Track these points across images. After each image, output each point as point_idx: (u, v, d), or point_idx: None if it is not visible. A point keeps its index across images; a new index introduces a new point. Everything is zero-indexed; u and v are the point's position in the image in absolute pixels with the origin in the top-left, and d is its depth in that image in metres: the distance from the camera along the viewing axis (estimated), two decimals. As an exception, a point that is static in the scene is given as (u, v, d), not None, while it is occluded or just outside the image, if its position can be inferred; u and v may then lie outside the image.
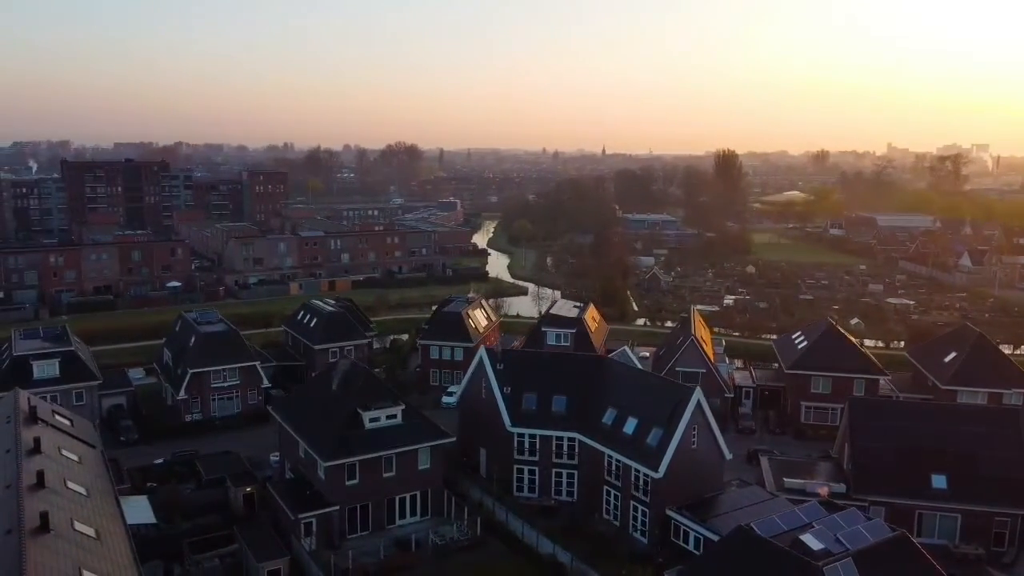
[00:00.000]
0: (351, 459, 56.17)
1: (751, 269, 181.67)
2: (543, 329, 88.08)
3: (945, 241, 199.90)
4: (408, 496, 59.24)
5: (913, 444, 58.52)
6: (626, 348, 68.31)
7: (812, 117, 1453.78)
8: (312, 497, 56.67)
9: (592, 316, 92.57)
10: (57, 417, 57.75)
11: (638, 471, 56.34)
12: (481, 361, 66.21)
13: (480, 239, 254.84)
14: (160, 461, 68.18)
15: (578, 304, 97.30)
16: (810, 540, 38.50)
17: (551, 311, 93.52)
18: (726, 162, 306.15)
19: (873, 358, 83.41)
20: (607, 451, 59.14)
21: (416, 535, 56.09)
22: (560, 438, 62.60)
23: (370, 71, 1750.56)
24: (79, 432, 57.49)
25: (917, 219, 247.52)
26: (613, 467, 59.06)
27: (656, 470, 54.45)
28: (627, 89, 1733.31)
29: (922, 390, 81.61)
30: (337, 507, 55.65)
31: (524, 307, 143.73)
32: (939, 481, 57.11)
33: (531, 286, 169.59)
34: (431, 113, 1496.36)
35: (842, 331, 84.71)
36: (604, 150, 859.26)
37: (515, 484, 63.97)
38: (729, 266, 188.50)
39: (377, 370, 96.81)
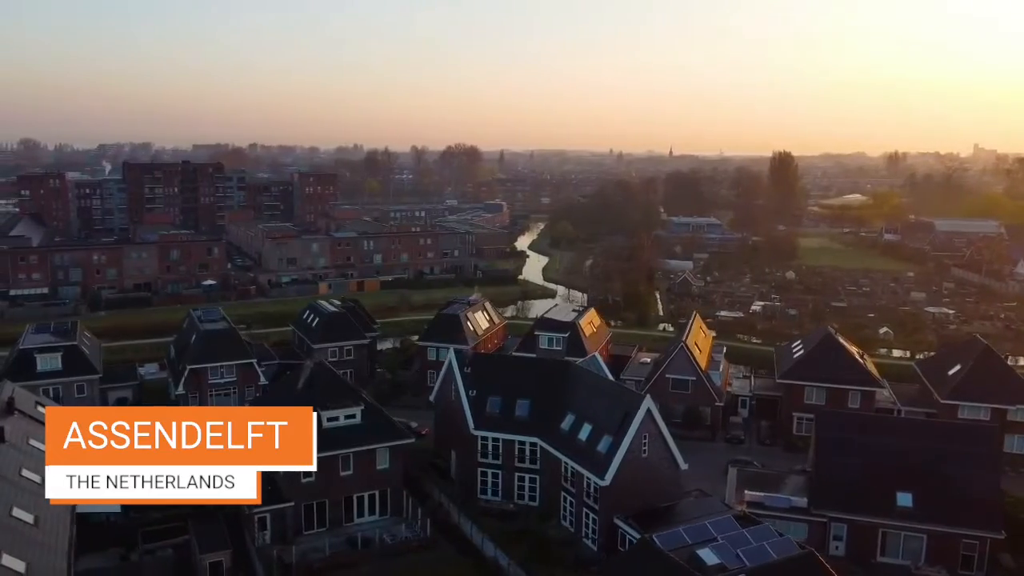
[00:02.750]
0: (307, 457, 57.41)
1: (791, 275, 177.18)
2: (536, 333, 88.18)
3: (1003, 248, 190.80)
4: (367, 495, 60.32)
5: (880, 459, 56.47)
6: (596, 355, 67.90)
7: (893, 117, 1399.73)
8: (270, 492, 58.16)
9: (590, 320, 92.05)
10: (39, 408, 60.91)
11: (588, 478, 56.05)
12: (450, 363, 66.88)
13: (525, 241, 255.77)
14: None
15: (577, 308, 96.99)
16: (706, 555, 37.80)
17: (546, 315, 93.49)
18: (781, 164, 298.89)
19: (871, 369, 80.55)
20: (563, 457, 59.03)
21: (370, 534, 57.18)
22: (523, 443, 62.73)
23: (438, 72, 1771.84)
24: (58, 423, 60.48)
25: (980, 224, 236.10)
26: (569, 473, 58.88)
27: (603, 478, 54.07)
28: (699, 89, 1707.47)
29: (928, 403, 78.44)
30: (291, 503, 57.11)
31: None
32: (904, 499, 54.99)
33: (562, 289, 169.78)
34: (498, 114, 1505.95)
35: (841, 340, 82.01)
36: (671, 151, 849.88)
37: (479, 487, 64.35)
38: (769, 271, 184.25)
39: (380, 370, 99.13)
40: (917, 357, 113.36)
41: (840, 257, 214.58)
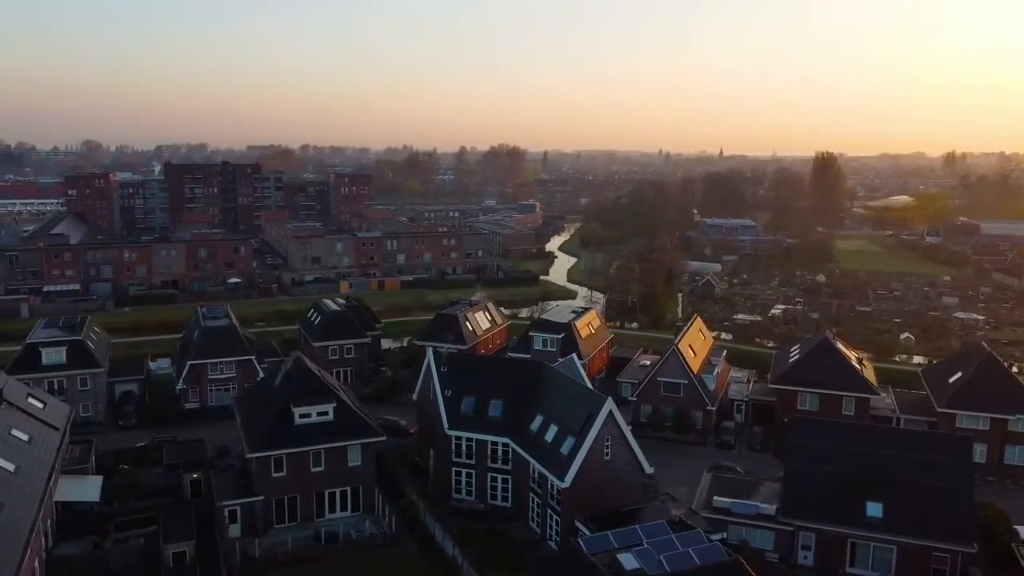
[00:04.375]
0: (277, 452, 58.65)
1: (821, 278, 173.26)
2: (530, 333, 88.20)
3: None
4: (338, 491, 61.13)
5: (851, 468, 55.07)
6: (573, 356, 67.52)
7: (956, 117, 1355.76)
8: (244, 486, 59.60)
9: (587, 322, 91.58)
10: (29, 400, 63.09)
11: (552, 479, 55.90)
12: (429, 363, 67.37)
13: (559, 242, 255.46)
14: (141, 445, 73.11)
15: (576, 309, 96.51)
16: (626, 559, 37.46)
17: (542, 316, 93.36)
18: (824, 165, 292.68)
19: (869, 376, 78.33)
20: (529, 458, 58.97)
21: (335, 529, 58.01)
22: (495, 443, 62.82)
23: (489, 74, 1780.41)
24: (46, 415, 62.63)
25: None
26: (536, 474, 58.79)
27: (563, 479, 53.91)
28: (753, 88, 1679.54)
29: (928, 412, 76.11)
30: (262, 497, 58.27)
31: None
32: (874, 509, 53.54)
33: (584, 290, 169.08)
34: (548, 114, 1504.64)
35: (837, 346, 80.00)
36: (721, 152, 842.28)
37: (454, 486, 64.65)
38: (800, 274, 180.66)
39: (383, 368, 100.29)
40: (933, 363, 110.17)
41: (878, 260, 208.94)
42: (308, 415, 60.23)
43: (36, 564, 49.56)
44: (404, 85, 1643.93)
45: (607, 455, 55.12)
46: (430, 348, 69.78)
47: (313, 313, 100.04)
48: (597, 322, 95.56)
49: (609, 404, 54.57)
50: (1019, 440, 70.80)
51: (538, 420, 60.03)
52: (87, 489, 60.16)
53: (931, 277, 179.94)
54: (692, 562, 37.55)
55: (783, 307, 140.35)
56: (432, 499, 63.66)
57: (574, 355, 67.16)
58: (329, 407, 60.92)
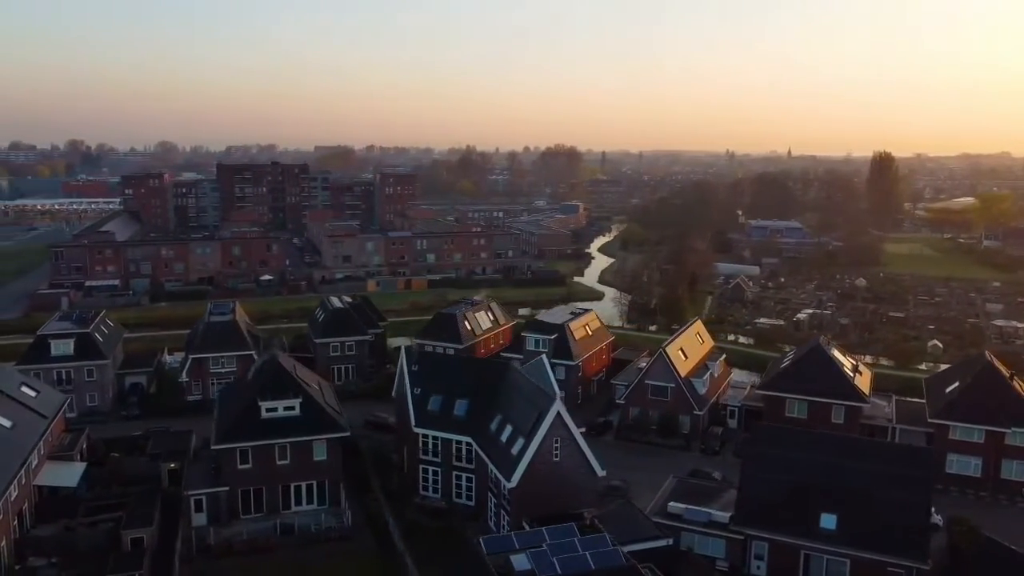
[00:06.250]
0: (242, 444, 60.36)
1: (861, 282, 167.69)
2: (523, 334, 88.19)
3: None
4: (304, 485, 62.49)
5: (808, 478, 53.52)
6: (543, 357, 67.13)
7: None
8: (212, 477, 61.51)
9: (583, 324, 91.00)
10: (22, 388, 66.62)
11: (501, 479, 56.01)
12: (401, 361, 68.20)
13: (602, 242, 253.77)
14: (134, 434, 76.05)
15: (575, 310, 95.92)
16: (519, 560, 37.42)
17: (538, 317, 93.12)
18: (881, 165, 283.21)
19: (859, 384, 75.66)
20: (485, 457, 59.23)
21: (295, 522, 59.39)
22: (459, 442, 63.26)
23: (553, 73, 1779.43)
24: (37, 403, 65.94)
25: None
26: (493, 474, 58.97)
27: (509, 479, 53.99)
28: (830, 87, 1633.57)
29: (926, 422, 73.20)
30: (226, 488, 60.05)
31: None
32: (828, 521, 51.94)
33: (613, 291, 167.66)
34: (612, 114, 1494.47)
35: (830, 353, 77.52)
36: (789, 152, 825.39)
37: (420, 483, 65.35)
38: (839, 278, 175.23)
39: (388, 365, 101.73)
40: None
41: (929, 264, 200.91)
42: (275, 409, 61.73)
43: (3, 543, 52.42)
44: (471, 87, 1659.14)
45: (556, 456, 54.88)
46: (402, 346, 70.53)
47: (319, 311, 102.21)
48: (596, 323, 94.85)
49: (558, 405, 54.34)
50: (1016, 454, 67.45)
51: (497, 420, 60.21)
52: (68, 475, 63.06)
53: (980, 282, 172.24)
54: (586, 566, 37.28)
55: (810, 311, 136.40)
56: (397, 495, 64.46)
57: (544, 356, 66.82)
58: (296, 402, 62.30)
